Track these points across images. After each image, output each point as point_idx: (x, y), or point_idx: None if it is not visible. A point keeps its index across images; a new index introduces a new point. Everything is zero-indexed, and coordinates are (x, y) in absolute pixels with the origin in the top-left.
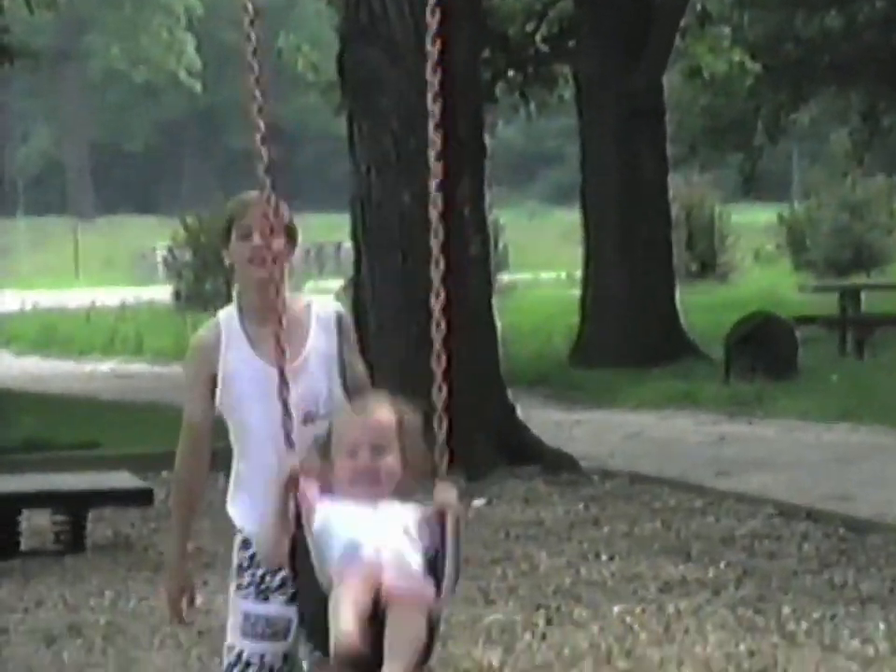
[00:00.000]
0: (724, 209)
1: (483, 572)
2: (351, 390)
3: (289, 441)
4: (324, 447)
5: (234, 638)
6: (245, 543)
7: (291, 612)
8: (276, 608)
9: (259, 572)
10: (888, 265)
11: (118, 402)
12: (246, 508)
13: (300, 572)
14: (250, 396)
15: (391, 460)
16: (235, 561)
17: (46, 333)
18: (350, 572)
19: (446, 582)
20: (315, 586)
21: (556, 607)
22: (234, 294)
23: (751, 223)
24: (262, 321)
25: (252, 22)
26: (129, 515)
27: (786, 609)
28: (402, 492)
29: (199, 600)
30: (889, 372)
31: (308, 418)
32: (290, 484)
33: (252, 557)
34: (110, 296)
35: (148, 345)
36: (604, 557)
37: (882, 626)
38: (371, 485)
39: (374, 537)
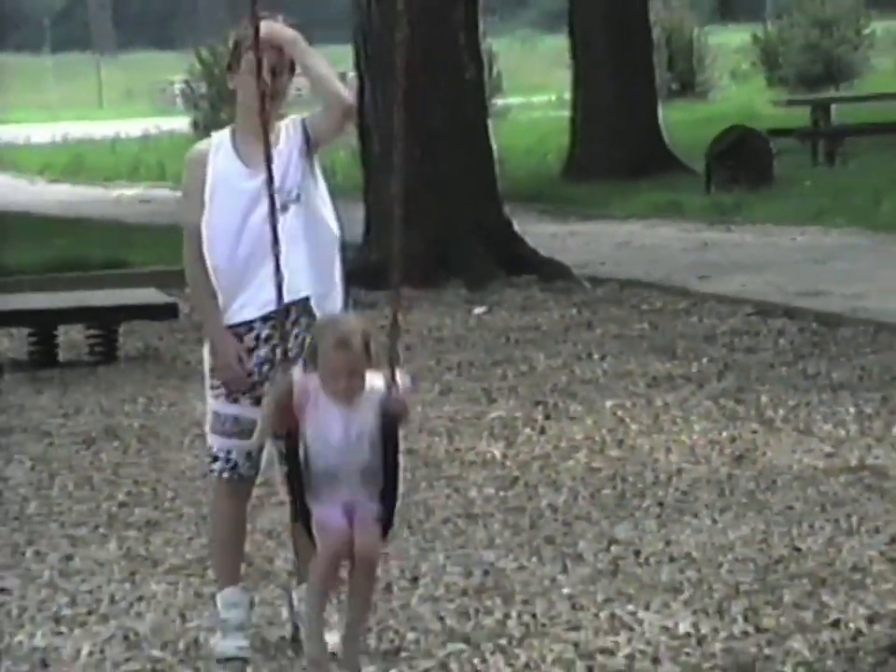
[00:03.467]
0: (702, 31)
1: (485, 374)
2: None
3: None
4: (309, 354)
5: (208, 435)
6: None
7: (257, 413)
8: (244, 409)
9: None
10: (856, 79)
11: (143, 225)
12: (223, 298)
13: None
14: (227, 195)
15: (363, 377)
16: (208, 364)
17: (75, 162)
18: (327, 541)
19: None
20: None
21: (553, 403)
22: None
23: (727, 43)
24: (253, 141)
25: None
26: (157, 328)
27: (764, 399)
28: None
29: None
30: (858, 178)
31: (284, 208)
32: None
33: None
34: (133, 126)
35: (170, 172)
36: (596, 357)
37: (852, 411)
38: (347, 398)
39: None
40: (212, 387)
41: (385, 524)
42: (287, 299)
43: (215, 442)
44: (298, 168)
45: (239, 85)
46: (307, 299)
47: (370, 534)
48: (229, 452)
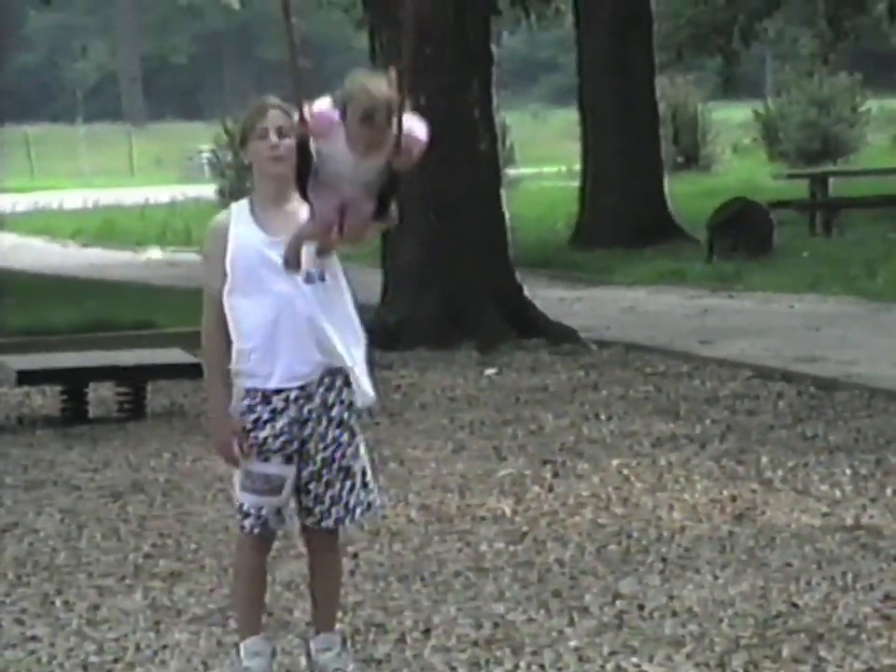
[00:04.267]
0: (706, 107)
1: (496, 433)
2: None
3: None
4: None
5: (237, 493)
6: (251, 408)
7: (287, 471)
8: (275, 467)
9: (262, 435)
10: (851, 154)
11: (170, 287)
12: (252, 364)
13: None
14: (251, 264)
15: (383, 144)
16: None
17: (106, 227)
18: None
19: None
20: None
21: (561, 462)
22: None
23: (730, 119)
24: (271, 209)
25: None
26: (182, 386)
27: (764, 460)
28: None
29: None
30: (853, 249)
31: (309, 279)
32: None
33: (255, 421)
34: (162, 193)
35: (196, 237)
36: (602, 417)
37: (848, 472)
38: (364, 154)
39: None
40: (240, 448)
41: (378, 216)
42: (317, 372)
43: (246, 500)
44: None
45: (253, 156)
46: (337, 367)
47: (360, 217)
48: (260, 509)
